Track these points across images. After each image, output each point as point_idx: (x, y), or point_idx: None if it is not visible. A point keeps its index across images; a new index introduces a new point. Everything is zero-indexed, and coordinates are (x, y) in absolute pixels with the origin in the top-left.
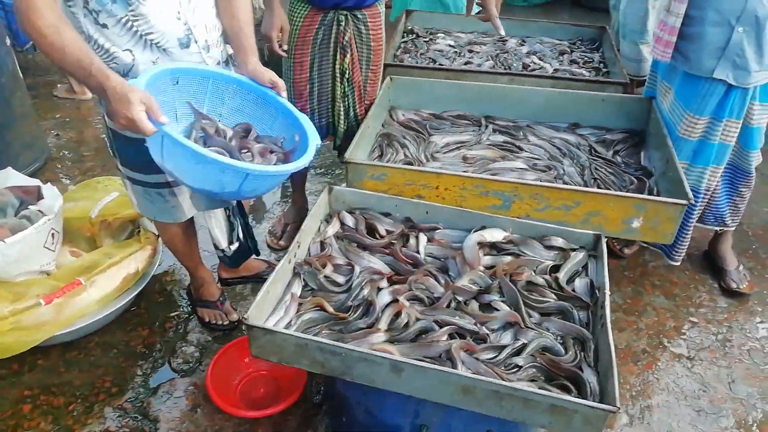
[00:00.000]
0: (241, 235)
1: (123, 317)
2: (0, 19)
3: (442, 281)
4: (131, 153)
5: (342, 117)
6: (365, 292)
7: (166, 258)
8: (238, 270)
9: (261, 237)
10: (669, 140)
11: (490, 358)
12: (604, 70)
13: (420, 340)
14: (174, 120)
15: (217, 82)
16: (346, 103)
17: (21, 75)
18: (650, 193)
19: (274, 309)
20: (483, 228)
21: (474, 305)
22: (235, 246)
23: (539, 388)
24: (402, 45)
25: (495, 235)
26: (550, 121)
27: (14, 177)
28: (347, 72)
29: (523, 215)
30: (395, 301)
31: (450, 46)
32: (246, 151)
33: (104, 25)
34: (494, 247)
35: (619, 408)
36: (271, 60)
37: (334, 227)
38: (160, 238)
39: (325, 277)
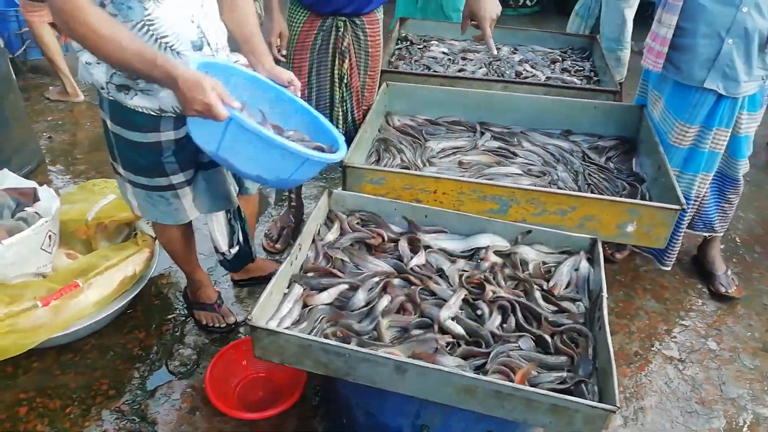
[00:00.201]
0: (241, 239)
1: (119, 320)
2: None
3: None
4: (135, 157)
5: (340, 122)
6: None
7: (163, 261)
8: (251, 270)
9: (257, 240)
10: (661, 147)
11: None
12: (595, 78)
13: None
14: None
15: (239, 79)
16: (345, 108)
17: (14, 77)
18: (643, 198)
19: (276, 310)
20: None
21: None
22: (235, 249)
23: (540, 365)
24: (396, 52)
25: (497, 244)
26: (543, 127)
27: (10, 179)
28: (345, 77)
29: (520, 219)
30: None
31: (444, 53)
32: None
33: None
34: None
35: (620, 407)
36: None
37: (334, 233)
38: (157, 241)
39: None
